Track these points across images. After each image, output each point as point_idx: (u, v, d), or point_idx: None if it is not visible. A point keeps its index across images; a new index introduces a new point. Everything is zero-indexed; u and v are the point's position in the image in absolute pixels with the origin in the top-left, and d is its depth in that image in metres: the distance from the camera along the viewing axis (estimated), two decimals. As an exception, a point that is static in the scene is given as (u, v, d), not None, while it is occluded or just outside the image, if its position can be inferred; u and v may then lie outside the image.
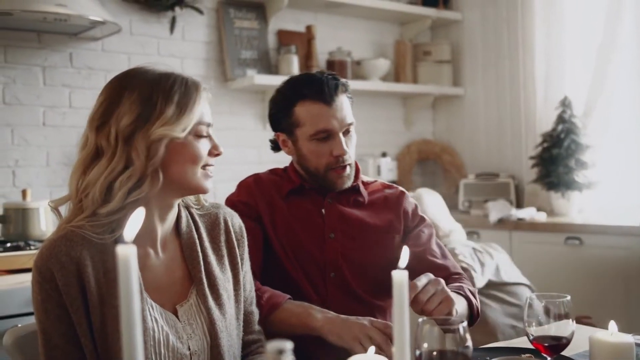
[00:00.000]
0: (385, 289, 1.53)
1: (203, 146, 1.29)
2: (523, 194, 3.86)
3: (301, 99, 1.66)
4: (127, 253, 0.71)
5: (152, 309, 1.26)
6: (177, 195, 1.31)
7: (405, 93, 4.12)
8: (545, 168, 3.49)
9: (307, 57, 3.69)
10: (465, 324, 1.03)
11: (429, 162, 4.33)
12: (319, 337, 1.51)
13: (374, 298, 1.73)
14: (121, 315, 0.70)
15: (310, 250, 1.71)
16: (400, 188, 1.86)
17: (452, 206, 3.96)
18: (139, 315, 0.71)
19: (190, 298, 1.32)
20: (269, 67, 3.62)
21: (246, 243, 1.47)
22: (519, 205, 3.80)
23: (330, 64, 3.78)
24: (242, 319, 1.41)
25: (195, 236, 1.37)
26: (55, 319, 1.20)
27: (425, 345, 1.03)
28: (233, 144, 3.54)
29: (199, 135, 1.28)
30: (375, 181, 1.87)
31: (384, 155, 3.97)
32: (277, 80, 3.48)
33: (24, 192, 2.61)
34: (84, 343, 1.19)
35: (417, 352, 1.04)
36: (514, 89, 3.94)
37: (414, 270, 1.71)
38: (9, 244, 2.41)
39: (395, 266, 1.73)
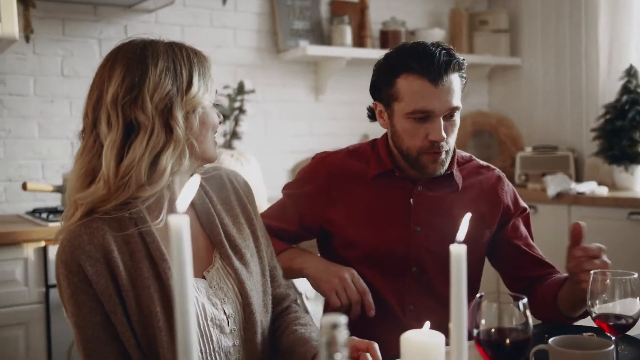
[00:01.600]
0: (468, 290, 1.35)
1: (216, 116, 1.29)
2: (583, 167, 3.73)
3: (406, 71, 1.50)
4: (180, 223, 0.70)
5: None
6: (198, 164, 1.29)
7: (461, 63, 4.01)
8: (607, 141, 3.36)
9: (360, 27, 3.63)
10: (525, 300, 0.99)
11: (484, 135, 4.23)
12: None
13: None
14: (174, 289, 0.69)
15: (392, 243, 1.60)
16: (497, 171, 1.70)
17: (508, 180, 3.87)
18: (191, 287, 0.70)
19: (215, 262, 1.31)
20: (322, 38, 3.58)
21: (254, 198, 1.46)
22: (579, 179, 3.68)
23: (384, 34, 3.71)
24: (268, 275, 1.40)
25: (208, 201, 1.35)
26: (88, 311, 1.15)
27: (483, 322, 1.00)
28: (285, 116, 3.53)
29: (214, 104, 1.28)
30: (471, 159, 1.71)
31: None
32: (329, 52, 3.50)
33: (82, 163, 2.66)
34: (121, 330, 1.16)
35: (475, 331, 1.01)
36: (575, 59, 3.79)
37: (514, 265, 1.66)
38: (68, 214, 2.47)
39: (481, 265, 1.62)
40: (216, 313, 1.26)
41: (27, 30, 2.74)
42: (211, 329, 1.24)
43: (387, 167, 1.62)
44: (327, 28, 3.62)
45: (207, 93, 1.23)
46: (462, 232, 0.91)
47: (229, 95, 3.18)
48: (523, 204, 1.71)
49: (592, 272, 1.21)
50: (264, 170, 2.96)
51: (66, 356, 2.29)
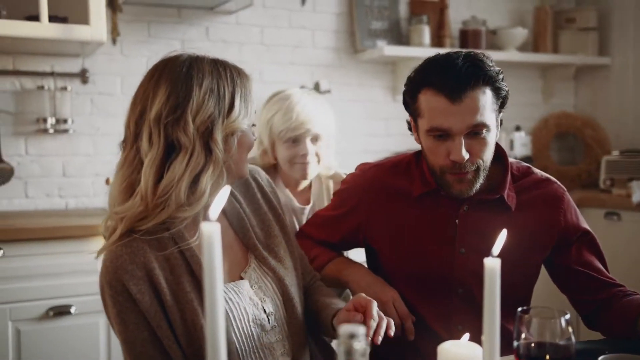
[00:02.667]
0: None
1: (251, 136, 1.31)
2: (674, 173, 3.54)
3: (426, 86, 1.43)
4: (211, 231, 0.74)
5: (226, 290, 1.28)
6: (231, 181, 1.30)
7: (545, 63, 3.90)
8: (700, 145, 3.17)
9: (439, 27, 3.59)
10: (568, 316, 0.98)
11: (568, 137, 4.09)
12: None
13: (502, 320, 1.55)
14: (205, 292, 0.73)
15: (436, 264, 1.54)
16: (557, 185, 1.59)
17: (592, 184, 3.73)
18: (221, 292, 0.74)
19: (251, 263, 1.35)
20: (400, 38, 3.57)
21: (277, 191, 1.51)
22: (668, 185, 3.49)
23: (464, 33, 3.66)
24: (299, 266, 1.44)
25: (237, 205, 1.38)
26: (135, 328, 1.18)
27: (524, 335, 0.99)
28: (361, 116, 3.54)
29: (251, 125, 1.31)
30: (529, 171, 1.60)
31: (517, 129, 3.80)
32: (407, 52, 3.48)
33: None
34: (167, 344, 1.19)
35: (515, 344, 1.00)
36: (668, 58, 3.60)
37: (580, 290, 1.56)
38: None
39: (530, 287, 1.59)
40: (257, 313, 1.30)
41: (114, 33, 2.90)
42: (252, 328, 1.28)
43: (432, 187, 1.54)
44: (406, 28, 3.61)
45: (246, 117, 1.25)
46: (497, 246, 0.90)
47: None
48: (585, 226, 1.58)
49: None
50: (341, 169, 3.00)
51: None
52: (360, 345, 0.70)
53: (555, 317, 0.98)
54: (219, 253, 0.75)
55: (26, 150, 2.87)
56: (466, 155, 1.42)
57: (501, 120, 1.52)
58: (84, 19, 2.52)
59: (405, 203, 1.58)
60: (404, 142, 3.58)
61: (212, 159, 1.20)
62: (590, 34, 3.88)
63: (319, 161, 1.94)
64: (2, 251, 2.25)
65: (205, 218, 1.21)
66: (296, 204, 2.04)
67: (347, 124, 3.49)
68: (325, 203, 2.01)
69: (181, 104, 1.19)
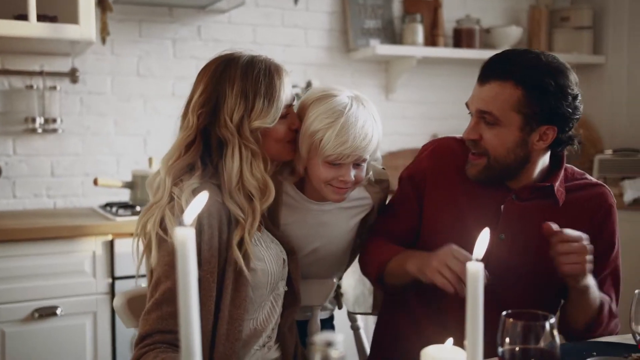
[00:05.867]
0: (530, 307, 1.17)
1: (283, 125, 1.48)
2: (667, 172, 3.53)
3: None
4: (185, 235, 0.72)
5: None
6: (275, 166, 1.56)
7: (539, 62, 3.87)
8: (693, 145, 3.17)
9: (433, 25, 3.58)
10: (553, 320, 0.96)
11: (562, 136, 4.07)
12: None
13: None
14: (179, 296, 0.72)
15: (471, 244, 1.51)
16: (609, 192, 1.60)
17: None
18: (196, 296, 0.72)
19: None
20: (393, 37, 3.55)
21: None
22: (662, 185, 3.48)
23: (457, 32, 3.64)
24: None
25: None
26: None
27: (508, 341, 0.97)
28: (354, 115, 3.52)
29: (281, 117, 1.45)
30: (583, 175, 1.62)
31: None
32: (400, 51, 3.46)
33: (150, 160, 2.77)
34: (208, 270, 1.36)
35: (500, 350, 0.98)
36: (662, 57, 3.59)
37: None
38: (137, 208, 2.58)
39: (554, 289, 1.56)
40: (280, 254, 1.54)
41: (104, 32, 2.87)
42: (277, 267, 1.49)
43: None
44: (399, 27, 3.59)
45: (271, 115, 1.42)
46: (481, 248, 0.89)
47: (296, 95, 3.21)
48: (615, 244, 1.58)
49: (637, 291, 1.15)
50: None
51: (130, 344, 2.39)
52: (337, 353, 0.68)
53: (540, 320, 0.96)
54: (193, 257, 0.73)
55: (14, 150, 2.85)
56: (473, 135, 1.50)
57: (562, 140, 1.50)
58: (73, 18, 2.50)
59: (460, 177, 1.60)
60: (398, 142, 3.56)
61: (253, 150, 1.41)
62: (584, 33, 3.87)
63: (356, 184, 1.60)
64: (-12, 252, 2.24)
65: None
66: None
67: (340, 123, 3.46)
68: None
69: (214, 102, 1.40)
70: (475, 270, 0.86)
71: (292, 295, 1.56)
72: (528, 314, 0.98)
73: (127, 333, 2.38)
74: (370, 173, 1.65)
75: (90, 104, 2.98)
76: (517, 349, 0.97)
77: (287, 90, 1.46)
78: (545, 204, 1.54)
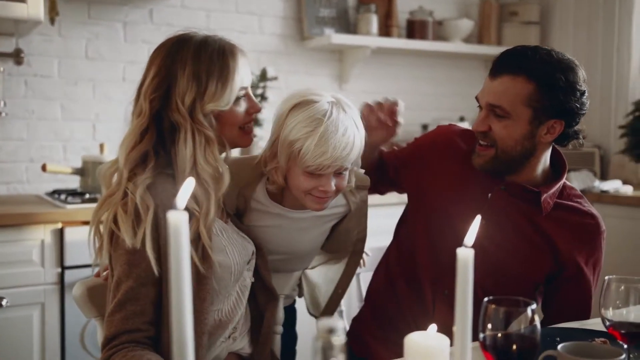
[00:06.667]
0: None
1: (240, 109, 1.41)
2: (608, 165, 3.66)
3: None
4: (178, 219, 0.69)
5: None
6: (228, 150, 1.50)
7: (488, 55, 3.93)
8: (635, 138, 3.29)
9: (387, 16, 3.59)
10: (534, 305, 0.97)
11: (509, 128, 4.17)
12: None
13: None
14: (171, 284, 0.69)
15: (454, 223, 1.59)
16: (600, 224, 1.61)
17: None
18: (188, 283, 0.70)
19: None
20: (347, 27, 3.54)
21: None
22: (604, 176, 3.60)
23: (411, 23, 3.67)
24: None
25: None
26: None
27: (490, 327, 0.98)
28: (308, 104, 3.50)
29: (236, 100, 1.39)
30: (581, 199, 1.63)
31: (461, 119, 3.85)
32: (354, 40, 3.46)
33: (101, 146, 2.68)
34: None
35: (481, 335, 0.98)
36: (606, 54, 3.71)
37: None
38: (86, 196, 2.49)
39: (531, 284, 1.62)
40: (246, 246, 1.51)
41: (52, 12, 2.75)
42: (241, 257, 1.44)
43: None
44: (354, 16, 3.58)
45: (225, 97, 1.35)
46: (471, 235, 0.89)
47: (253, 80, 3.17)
48: (591, 285, 1.61)
49: (606, 277, 1.18)
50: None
51: (79, 336, 2.31)
52: (340, 340, 0.67)
53: (522, 307, 0.97)
54: (187, 242, 0.70)
55: (-45, 134, 2.71)
56: (482, 127, 1.53)
57: (568, 135, 1.54)
58: (19, -4, 2.38)
59: (454, 160, 1.67)
60: (351, 132, 3.56)
61: (207, 136, 1.34)
62: (532, 28, 3.96)
63: (337, 193, 1.53)
64: None
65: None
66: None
67: (294, 112, 3.44)
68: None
69: (166, 85, 1.33)
70: (466, 256, 0.86)
71: (267, 291, 1.54)
72: (509, 300, 0.98)
73: (77, 325, 2.30)
74: (353, 180, 1.58)
75: (35, 87, 2.86)
76: (498, 334, 0.97)
77: (243, 72, 1.39)
78: (530, 208, 1.58)
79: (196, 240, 1.31)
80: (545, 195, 1.56)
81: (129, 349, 1.26)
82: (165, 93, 1.33)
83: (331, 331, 0.67)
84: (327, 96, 1.47)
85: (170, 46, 1.36)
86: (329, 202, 1.51)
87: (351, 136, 1.43)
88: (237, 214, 1.56)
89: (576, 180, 3.30)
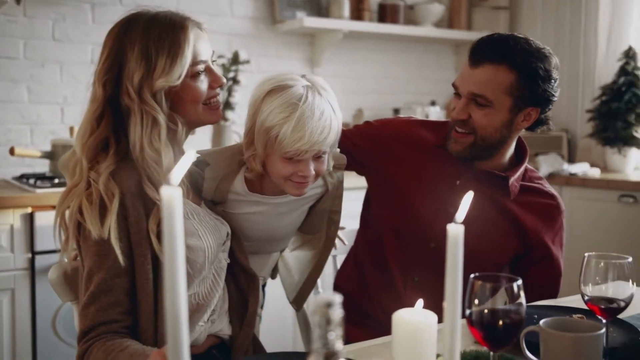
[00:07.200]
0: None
1: (201, 84, 1.35)
2: (576, 148, 3.72)
3: (469, 52, 1.56)
4: (172, 195, 0.68)
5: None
6: (193, 129, 1.44)
7: (459, 40, 3.97)
8: (602, 122, 3.35)
9: (358, 0, 3.57)
10: (520, 281, 0.98)
11: (479, 113, 4.20)
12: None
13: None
14: (165, 261, 0.67)
15: (423, 212, 1.63)
16: (560, 204, 1.67)
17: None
18: (183, 262, 0.69)
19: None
20: (319, 10, 3.52)
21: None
22: (571, 160, 3.67)
23: (382, 7, 3.66)
24: None
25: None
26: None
27: (476, 302, 0.99)
28: (280, 88, 3.48)
29: (195, 75, 1.33)
30: (541, 180, 1.69)
31: (432, 104, 3.87)
32: (326, 24, 3.44)
33: (71, 129, 2.63)
34: (140, 262, 1.28)
35: (468, 311, 0.99)
36: (573, 39, 3.76)
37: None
38: (56, 180, 2.44)
39: (498, 270, 1.60)
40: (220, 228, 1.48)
41: (18, -9, 2.67)
42: (215, 240, 1.41)
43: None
44: (325, 0, 3.56)
45: (176, 72, 1.29)
46: (462, 211, 0.89)
47: (223, 65, 3.13)
48: (557, 253, 1.66)
49: (586, 254, 1.20)
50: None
51: (50, 322, 2.27)
52: (338, 314, 0.66)
53: (507, 282, 0.98)
54: (180, 219, 0.69)
55: None
56: (462, 115, 1.53)
57: (542, 121, 1.58)
58: (-17, -26, 2.32)
59: (419, 152, 1.67)
60: (322, 116, 3.55)
61: (154, 118, 1.28)
62: (501, 12, 3.99)
63: (317, 177, 1.51)
64: None
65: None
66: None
67: (266, 95, 3.41)
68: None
69: (117, 67, 1.28)
70: (456, 232, 0.86)
71: (245, 273, 1.52)
72: (495, 277, 0.99)
73: (49, 311, 2.27)
74: (331, 163, 1.57)
75: (0, 69, 2.78)
76: (485, 310, 0.98)
77: (199, 45, 1.33)
78: (498, 192, 1.61)
79: (159, 230, 1.27)
80: (512, 180, 1.60)
81: (107, 339, 1.24)
82: (117, 75, 1.29)
83: (329, 305, 0.67)
84: (302, 80, 1.44)
85: (121, 26, 1.31)
86: (309, 187, 1.50)
87: (328, 119, 1.41)
88: (213, 202, 1.54)
89: (545, 163, 3.35)
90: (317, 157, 1.45)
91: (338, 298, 0.67)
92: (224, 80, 1.40)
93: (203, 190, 1.49)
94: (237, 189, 1.53)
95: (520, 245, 1.63)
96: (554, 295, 1.65)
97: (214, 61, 1.40)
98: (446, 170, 1.64)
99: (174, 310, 0.68)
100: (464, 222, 1.53)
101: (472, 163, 1.61)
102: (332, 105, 1.45)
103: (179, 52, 1.29)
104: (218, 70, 1.41)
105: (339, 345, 0.66)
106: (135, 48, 1.27)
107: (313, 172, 1.45)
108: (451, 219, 1.54)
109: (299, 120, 1.38)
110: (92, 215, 1.23)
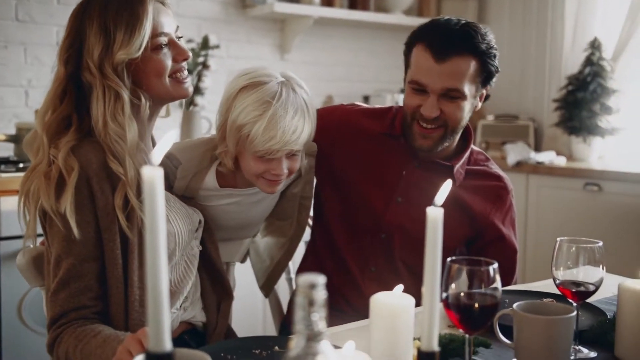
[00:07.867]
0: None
1: (164, 57, 1.33)
2: (542, 137, 3.78)
3: (420, 41, 1.51)
4: (153, 175, 0.67)
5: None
6: (162, 105, 1.41)
7: (428, 28, 3.98)
8: (568, 112, 3.41)
9: (329, -14, 3.56)
10: (496, 265, 0.99)
11: (447, 101, 4.23)
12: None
13: (416, 270, 1.59)
14: (146, 242, 0.66)
15: (372, 204, 1.63)
16: (507, 185, 1.67)
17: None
18: (164, 242, 0.68)
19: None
20: (290, -5, 3.50)
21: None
22: (538, 148, 3.73)
23: (353, -6, 3.65)
24: None
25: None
26: (85, 225, 1.27)
27: (453, 286, 0.99)
28: (249, 74, 3.45)
29: (157, 48, 1.32)
30: (487, 162, 1.69)
31: (402, 91, 3.88)
32: (297, 9, 3.42)
33: (36, 113, 2.56)
34: (110, 248, 1.27)
35: (444, 294, 1.00)
36: (540, 28, 3.81)
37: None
38: (21, 164, 2.38)
39: (444, 255, 1.62)
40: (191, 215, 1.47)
41: (-21, -31, 2.60)
42: (187, 226, 1.40)
43: (396, 132, 1.63)
44: (296, -15, 3.54)
45: (134, 44, 1.27)
46: (441, 195, 0.90)
47: (192, 50, 3.09)
48: (510, 236, 1.67)
49: (558, 239, 1.22)
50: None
51: (16, 309, 2.23)
52: (321, 295, 0.66)
53: (483, 266, 0.99)
54: (162, 199, 0.68)
55: None
56: (435, 113, 1.50)
57: (487, 96, 1.60)
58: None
59: (365, 142, 1.66)
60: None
61: (117, 92, 1.27)
62: (470, 2, 4.01)
63: (290, 175, 1.49)
64: None
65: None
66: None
67: (235, 81, 3.38)
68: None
69: (78, 44, 1.28)
70: (435, 216, 0.86)
71: (215, 270, 1.52)
72: (471, 261, 1.00)
73: (14, 296, 2.22)
74: (305, 161, 1.56)
75: (-39, 50, 2.70)
76: (461, 293, 0.99)
77: (160, 17, 1.32)
78: (444, 180, 1.59)
79: (125, 206, 1.26)
80: (456, 167, 1.61)
81: (78, 325, 1.22)
82: (77, 53, 1.29)
83: (312, 286, 0.66)
84: (277, 76, 1.42)
85: (81, 5, 1.32)
86: (281, 185, 1.48)
87: (300, 119, 1.40)
88: (184, 196, 1.51)
89: (512, 152, 3.40)
90: (291, 155, 1.44)
91: (322, 279, 0.67)
92: (189, 53, 1.37)
93: (174, 187, 1.48)
94: (208, 186, 1.51)
95: (471, 230, 1.64)
96: (511, 274, 1.67)
97: (180, 37, 1.38)
98: (392, 160, 1.63)
99: (155, 290, 0.67)
100: (413, 213, 1.56)
101: (417, 153, 1.60)
102: (307, 102, 1.43)
103: (137, 24, 1.28)
104: (184, 45, 1.38)
105: (322, 326, 0.66)
106: (94, 24, 1.27)
107: (286, 171, 1.44)
108: (399, 209, 1.58)
109: (271, 119, 1.36)
110: (49, 190, 1.21)
